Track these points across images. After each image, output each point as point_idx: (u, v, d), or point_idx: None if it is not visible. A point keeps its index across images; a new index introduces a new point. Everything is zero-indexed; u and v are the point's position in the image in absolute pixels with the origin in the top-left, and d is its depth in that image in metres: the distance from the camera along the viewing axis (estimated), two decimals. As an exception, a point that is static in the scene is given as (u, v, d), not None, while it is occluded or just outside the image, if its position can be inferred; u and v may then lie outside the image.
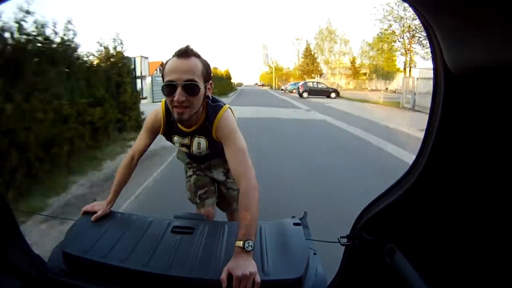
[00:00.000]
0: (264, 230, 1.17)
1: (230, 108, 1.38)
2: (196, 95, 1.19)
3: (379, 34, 27.10)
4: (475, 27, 0.55)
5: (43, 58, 4.09)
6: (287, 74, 53.57)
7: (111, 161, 4.88)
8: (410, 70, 25.06)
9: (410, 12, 24.44)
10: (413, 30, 25.06)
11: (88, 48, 5.28)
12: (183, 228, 1.18)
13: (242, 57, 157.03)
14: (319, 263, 1.07)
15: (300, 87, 26.10)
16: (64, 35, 4.72)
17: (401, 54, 25.77)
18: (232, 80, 45.94)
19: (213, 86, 1.32)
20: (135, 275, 0.96)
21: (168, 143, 1.50)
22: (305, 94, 24.75)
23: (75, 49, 5.02)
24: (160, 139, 1.48)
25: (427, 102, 12.89)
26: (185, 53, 1.18)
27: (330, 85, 30.24)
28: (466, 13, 0.55)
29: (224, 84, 30.68)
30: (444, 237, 0.82)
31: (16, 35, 3.82)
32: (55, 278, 0.99)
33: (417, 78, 16.20)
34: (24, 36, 3.91)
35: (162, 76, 1.22)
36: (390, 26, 25.99)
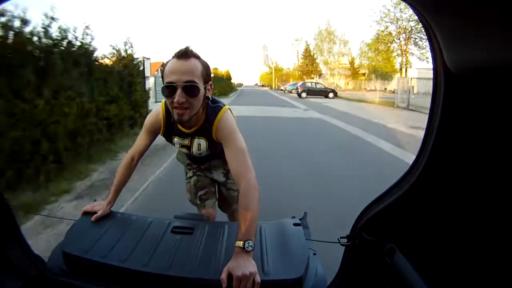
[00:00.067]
0: (264, 230, 1.17)
1: (230, 109, 1.38)
2: (196, 96, 1.19)
3: (376, 35, 27.37)
4: (475, 27, 0.55)
5: (67, 60, 4.61)
6: (286, 75, 53.72)
7: (125, 153, 4.96)
8: (406, 71, 25.31)
9: (406, 14, 24.84)
10: (409, 31, 25.27)
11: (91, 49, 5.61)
12: (183, 228, 1.18)
13: (242, 58, 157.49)
14: (319, 263, 1.07)
15: (298, 88, 26.58)
16: (83, 39, 5.24)
17: (397, 55, 26.02)
18: (232, 81, 46.00)
19: (213, 87, 1.32)
20: (135, 275, 0.96)
21: None
22: (303, 94, 25.22)
23: (92, 52, 5.55)
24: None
25: (421, 101, 14.06)
26: (185, 54, 1.18)
27: (329, 86, 30.89)
28: (466, 13, 0.55)
29: (225, 84, 31.13)
30: (444, 237, 0.82)
31: (43, 39, 4.32)
32: (55, 278, 0.99)
33: (411, 78, 16.96)
34: (50, 41, 4.42)
35: (162, 77, 1.22)
36: (387, 27, 26.32)
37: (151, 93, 9.18)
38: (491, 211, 0.72)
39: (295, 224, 1.21)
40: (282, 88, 40.88)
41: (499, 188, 0.70)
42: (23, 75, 3.68)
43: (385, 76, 30.35)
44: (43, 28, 4.27)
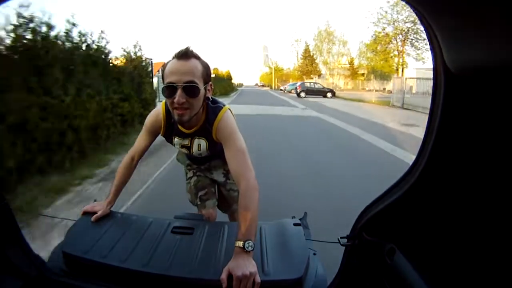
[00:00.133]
0: (264, 230, 1.17)
1: (230, 109, 1.38)
2: (196, 97, 1.19)
3: (373, 36, 27.63)
4: (475, 27, 0.55)
5: (87, 62, 5.24)
6: (286, 75, 53.79)
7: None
8: (402, 71, 25.55)
9: (402, 16, 25.08)
10: (405, 32, 25.52)
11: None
12: (183, 228, 1.18)
13: (242, 58, 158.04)
14: (319, 263, 1.07)
15: (297, 87, 27.22)
16: (99, 42, 5.89)
17: (393, 56, 26.24)
18: (233, 81, 46.09)
19: (213, 87, 1.32)
20: (135, 275, 0.96)
21: None
22: (302, 94, 25.84)
23: (108, 54, 6.19)
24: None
25: (417, 100, 14.74)
26: (185, 54, 1.18)
27: (328, 86, 31.47)
28: (466, 13, 0.55)
29: (226, 84, 31.74)
30: (444, 237, 0.82)
31: (66, 42, 4.92)
32: (55, 278, 0.99)
33: (406, 78, 17.77)
34: (72, 44, 5.02)
35: (162, 78, 1.22)
36: (384, 29, 26.58)
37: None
38: (491, 211, 0.72)
39: (295, 224, 1.21)
40: (281, 88, 41.15)
41: (499, 188, 0.70)
42: (51, 74, 4.21)
43: (384, 76, 30.51)
44: (65, 32, 4.88)
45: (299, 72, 45.14)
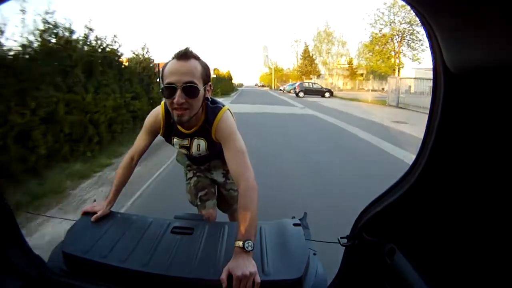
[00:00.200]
0: (264, 231, 1.17)
1: (230, 110, 1.38)
2: (196, 97, 1.19)
3: (370, 38, 27.90)
4: (475, 27, 0.55)
5: (103, 63, 5.88)
6: (286, 75, 53.84)
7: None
8: (399, 71, 25.86)
9: (399, 17, 25.39)
10: (402, 33, 25.83)
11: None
12: (183, 228, 1.18)
13: (242, 59, 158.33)
14: (319, 263, 1.07)
15: (296, 87, 27.72)
16: (112, 45, 6.42)
17: (389, 57, 26.51)
18: (233, 81, 46.16)
19: (212, 87, 1.32)
20: (135, 276, 0.96)
21: None
22: (301, 94, 26.35)
23: (120, 56, 6.80)
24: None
25: (413, 100, 15.29)
26: (185, 55, 1.18)
27: (328, 86, 32.03)
28: (466, 13, 0.55)
29: (226, 84, 32.19)
30: (444, 237, 0.82)
31: (85, 46, 5.49)
32: (55, 278, 0.99)
33: (400, 78, 18.40)
34: (89, 47, 5.59)
35: (162, 78, 1.22)
36: (381, 30, 26.90)
37: (157, 93, 9.96)
38: (491, 211, 0.72)
39: (295, 224, 1.21)
40: (281, 88, 41.30)
41: (499, 188, 0.70)
42: (74, 74, 4.83)
43: (383, 76, 30.67)
44: (84, 36, 5.49)
45: (298, 73, 45.15)
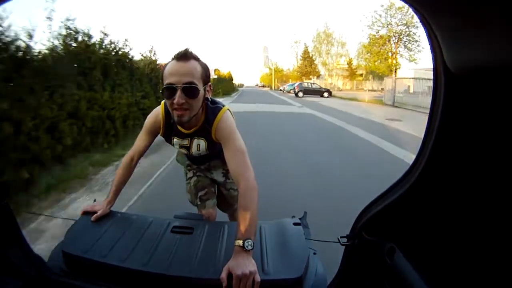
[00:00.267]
0: (264, 230, 1.17)
1: (230, 110, 1.38)
2: (196, 98, 1.19)
3: (368, 39, 28.16)
4: (475, 27, 0.55)
5: (117, 65, 6.53)
6: (286, 76, 53.97)
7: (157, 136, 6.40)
8: (395, 71, 26.09)
9: (395, 19, 25.66)
10: (398, 34, 26.06)
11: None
12: (183, 228, 1.17)
13: (243, 59, 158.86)
14: (319, 263, 1.07)
15: (296, 88, 28.27)
16: (124, 48, 7.03)
17: (386, 57, 26.75)
18: (234, 81, 46.29)
19: (212, 88, 1.32)
20: (135, 275, 0.96)
21: None
22: (300, 94, 26.91)
23: (131, 59, 7.44)
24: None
25: (410, 100, 15.81)
26: (184, 56, 1.19)
27: (327, 86, 32.56)
28: (466, 13, 0.55)
29: (227, 85, 32.83)
30: (444, 237, 0.82)
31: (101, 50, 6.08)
32: (55, 278, 0.99)
33: (396, 78, 19.00)
34: (105, 50, 6.18)
35: (162, 79, 1.22)
36: (378, 32, 27.17)
37: (159, 92, 10.20)
38: (491, 211, 0.72)
39: (295, 224, 1.21)
40: (281, 88, 41.50)
41: (499, 188, 0.70)
42: (93, 75, 5.45)
43: (382, 76, 30.84)
44: (99, 40, 6.09)
45: (298, 73, 45.23)
